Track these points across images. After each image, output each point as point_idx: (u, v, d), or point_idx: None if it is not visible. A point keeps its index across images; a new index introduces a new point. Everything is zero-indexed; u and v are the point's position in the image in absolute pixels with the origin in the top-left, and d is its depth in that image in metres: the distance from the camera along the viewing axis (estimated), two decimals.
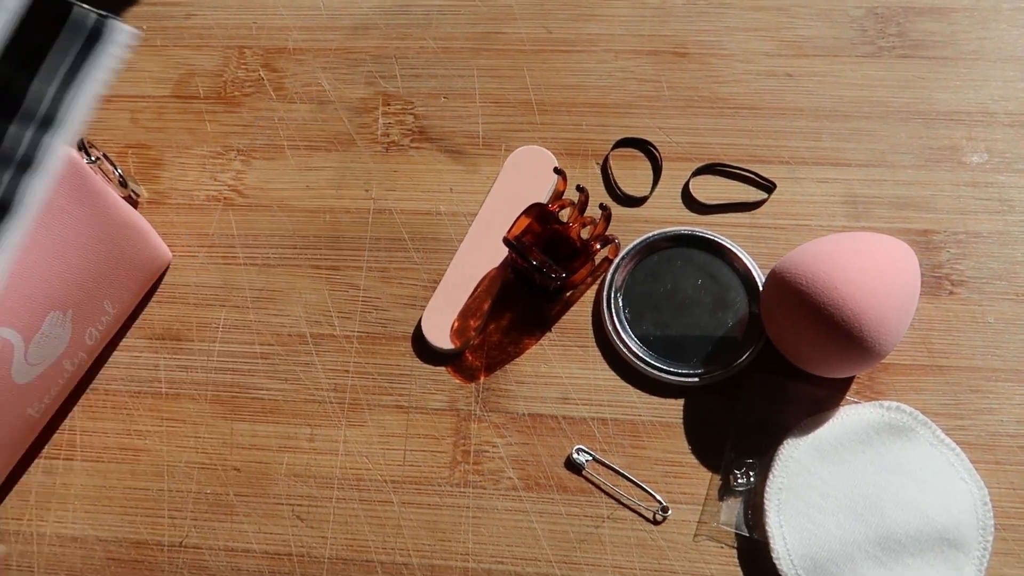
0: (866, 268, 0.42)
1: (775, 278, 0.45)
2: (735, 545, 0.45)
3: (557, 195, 0.50)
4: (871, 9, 0.59)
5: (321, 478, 0.48)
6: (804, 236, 0.52)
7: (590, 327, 0.50)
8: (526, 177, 0.54)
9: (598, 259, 0.51)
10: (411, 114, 0.58)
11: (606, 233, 0.49)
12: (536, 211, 0.49)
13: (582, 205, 0.49)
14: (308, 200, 0.55)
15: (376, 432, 0.49)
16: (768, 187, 0.53)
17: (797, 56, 0.58)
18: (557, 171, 0.49)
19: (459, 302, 0.50)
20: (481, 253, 0.52)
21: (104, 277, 0.48)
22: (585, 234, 0.49)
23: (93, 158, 0.48)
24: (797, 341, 0.44)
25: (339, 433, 0.49)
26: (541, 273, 0.47)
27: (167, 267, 0.54)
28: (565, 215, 0.50)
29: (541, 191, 0.53)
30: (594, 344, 0.50)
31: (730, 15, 0.60)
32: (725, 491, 0.46)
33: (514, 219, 0.48)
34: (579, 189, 0.49)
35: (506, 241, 0.47)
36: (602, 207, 0.48)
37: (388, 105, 0.58)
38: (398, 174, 0.56)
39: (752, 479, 0.45)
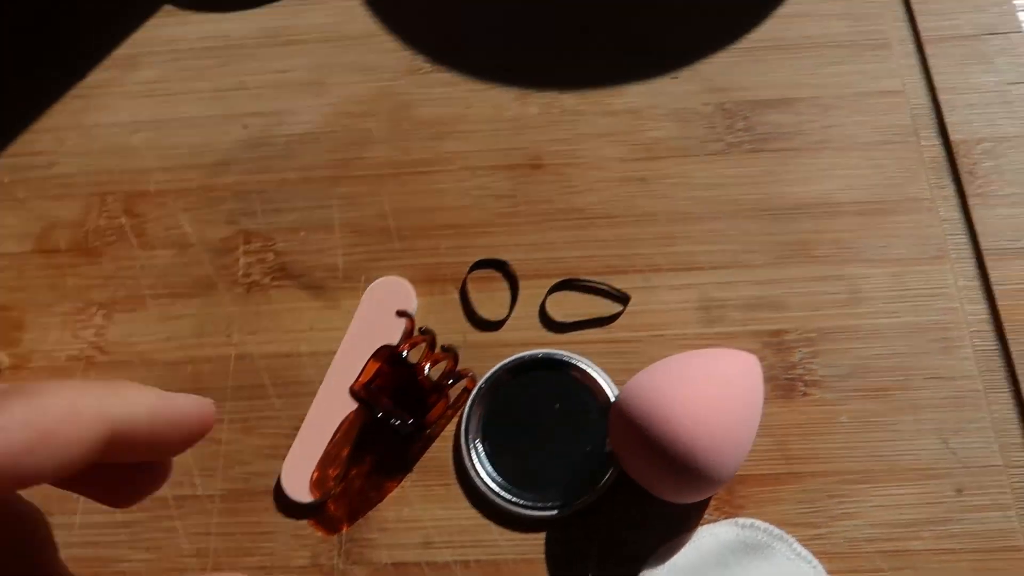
0: (698, 396, 0.42)
1: (616, 411, 0.45)
2: None
3: (407, 334, 0.50)
4: (719, 105, 0.60)
5: None
6: (659, 347, 0.52)
7: (451, 464, 0.50)
8: (384, 310, 0.54)
9: (456, 392, 0.51)
10: (272, 251, 0.58)
11: (457, 369, 0.49)
12: (385, 354, 0.49)
13: (431, 344, 0.49)
14: (170, 352, 0.55)
15: None
16: (622, 299, 0.54)
17: (649, 159, 0.58)
18: (401, 314, 0.49)
19: (318, 450, 0.50)
20: (339, 395, 0.51)
21: None
22: (437, 372, 0.49)
23: None
24: (641, 473, 0.44)
25: None
26: (390, 422, 0.47)
27: None
28: (416, 354, 0.50)
29: (400, 324, 0.53)
30: (455, 482, 0.50)
31: (583, 122, 0.60)
32: None
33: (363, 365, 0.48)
34: (423, 332, 0.49)
35: (352, 392, 0.47)
36: (445, 348, 0.48)
37: (249, 243, 0.58)
38: (260, 316, 0.56)
39: None
